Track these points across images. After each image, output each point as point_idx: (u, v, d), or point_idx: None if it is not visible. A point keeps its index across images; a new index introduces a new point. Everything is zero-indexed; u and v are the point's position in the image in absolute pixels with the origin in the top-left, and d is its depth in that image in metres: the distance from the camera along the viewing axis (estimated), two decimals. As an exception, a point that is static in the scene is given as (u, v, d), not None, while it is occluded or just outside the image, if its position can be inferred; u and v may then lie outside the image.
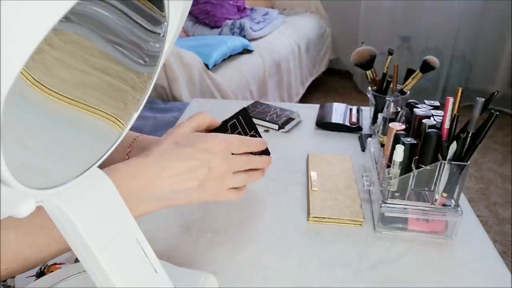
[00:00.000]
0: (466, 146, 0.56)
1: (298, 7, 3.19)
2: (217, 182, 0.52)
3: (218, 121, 0.60)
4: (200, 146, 0.50)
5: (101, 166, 0.73)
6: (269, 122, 0.91)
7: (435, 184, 0.59)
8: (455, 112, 0.57)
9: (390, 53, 0.87)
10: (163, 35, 0.30)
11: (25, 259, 0.42)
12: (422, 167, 0.58)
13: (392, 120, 0.67)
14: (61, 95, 0.24)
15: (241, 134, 0.60)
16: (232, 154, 0.53)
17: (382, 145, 0.67)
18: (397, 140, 0.59)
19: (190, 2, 0.32)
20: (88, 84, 0.26)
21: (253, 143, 0.57)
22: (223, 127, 0.60)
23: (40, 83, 0.22)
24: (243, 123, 0.61)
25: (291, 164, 0.77)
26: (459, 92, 0.56)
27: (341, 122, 0.92)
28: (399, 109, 0.70)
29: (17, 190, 0.22)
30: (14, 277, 0.55)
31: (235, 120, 0.62)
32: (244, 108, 0.62)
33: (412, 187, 0.60)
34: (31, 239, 0.42)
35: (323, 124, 0.92)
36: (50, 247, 0.42)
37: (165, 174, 0.47)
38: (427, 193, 0.61)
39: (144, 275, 0.36)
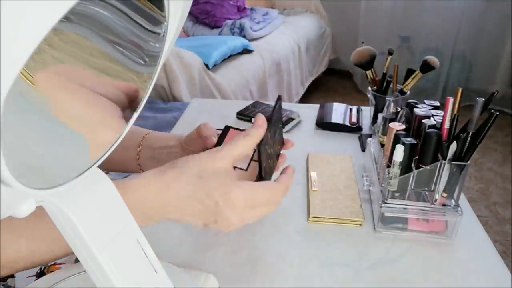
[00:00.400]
0: (466, 146, 0.56)
1: (298, 7, 3.19)
2: (223, 228, 0.47)
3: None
4: (219, 200, 0.45)
5: (107, 167, 0.74)
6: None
7: (435, 184, 0.59)
8: (455, 112, 0.57)
9: (390, 53, 0.87)
10: (163, 35, 0.30)
11: (32, 263, 0.43)
12: (422, 167, 0.58)
13: (392, 120, 0.67)
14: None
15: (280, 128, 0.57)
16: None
17: (382, 145, 0.67)
18: (397, 140, 0.59)
19: (190, 2, 0.32)
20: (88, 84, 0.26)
21: (279, 197, 0.49)
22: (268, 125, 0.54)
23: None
24: (277, 114, 0.56)
25: (291, 164, 0.77)
26: (459, 92, 0.56)
27: (341, 122, 0.92)
28: (399, 109, 0.70)
29: (17, 190, 0.22)
30: (14, 276, 0.55)
31: (274, 113, 0.56)
32: (279, 96, 0.57)
33: (412, 187, 0.60)
34: (43, 248, 0.42)
35: (323, 124, 0.92)
36: (55, 253, 0.43)
37: (178, 207, 0.45)
38: (427, 193, 0.61)
39: (144, 275, 0.36)
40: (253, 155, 0.52)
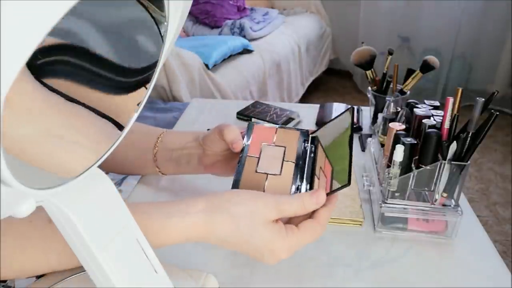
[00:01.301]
0: (466, 146, 0.56)
1: (298, 7, 3.19)
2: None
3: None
4: (264, 253, 0.45)
5: (125, 170, 0.73)
6: (269, 122, 0.91)
7: (435, 184, 0.59)
8: (455, 112, 0.57)
9: (390, 53, 0.87)
10: (163, 35, 0.30)
11: (34, 272, 0.45)
12: (422, 167, 0.58)
13: (392, 120, 0.67)
14: (61, 95, 0.24)
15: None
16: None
17: (382, 145, 0.67)
18: (397, 140, 0.59)
19: (190, 2, 0.32)
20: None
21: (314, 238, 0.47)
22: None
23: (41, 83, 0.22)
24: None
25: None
26: (459, 92, 0.56)
27: (341, 122, 0.92)
28: (399, 109, 0.70)
29: (17, 190, 0.22)
30: (14, 277, 0.55)
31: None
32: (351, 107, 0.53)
33: (412, 187, 0.60)
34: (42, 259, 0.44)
35: (323, 124, 0.92)
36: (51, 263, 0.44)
37: (220, 244, 0.46)
38: (427, 193, 0.61)
39: (144, 275, 0.36)
40: (283, 156, 0.49)
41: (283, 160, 0.49)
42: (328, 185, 0.47)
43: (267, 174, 0.48)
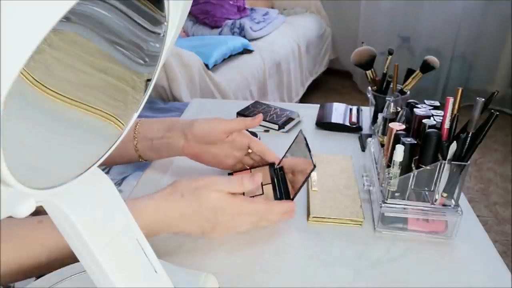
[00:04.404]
0: (466, 146, 0.56)
1: (298, 7, 3.19)
2: (218, 233, 0.56)
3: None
4: (214, 208, 0.54)
5: (109, 162, 0.75)
6: (269, 122, 0.91)
7: (435, 184, 0.59)
8: (455, 112, 0.57)
9: (390, 53, 0.87)
10: (163, 35, 0.30)
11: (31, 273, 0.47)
12: (422, 167, 0.58)
13: (392, 120, 0.67)
14: (61, 95, 0.24)
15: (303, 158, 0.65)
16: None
17: (382, 145, 0.67)
18: (397, 140, 0.59)
19: (190, 2, 0.32)
20: (88, 84, 0.26)
21: (272, 211, 0.58)
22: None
23: (40, 83, 0.22)
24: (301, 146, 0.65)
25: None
26: (459, 92, 0.56)
27: (341, 122, 0.92)
28: (399, 109, 0.70)
29: (17, 190, 0.22)
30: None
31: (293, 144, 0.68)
32: (300, 131, 0.68)
33: (412, 187, 0.60)
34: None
35: (323, 124, 0.92)
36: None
37: (183, 222, 0.54)
38: (427, 193, 0.61)
39: (144, 275, 0.36)
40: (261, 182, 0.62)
41: (262, 185, 0.64)
42: (298, 185, 0.61)
43: (255, 195, 0.62)
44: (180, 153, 0.68)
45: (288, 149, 0.68)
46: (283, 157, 0.68)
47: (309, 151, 0.62)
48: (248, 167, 0.71)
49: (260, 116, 0.68)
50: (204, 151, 0.68)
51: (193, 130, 0.65)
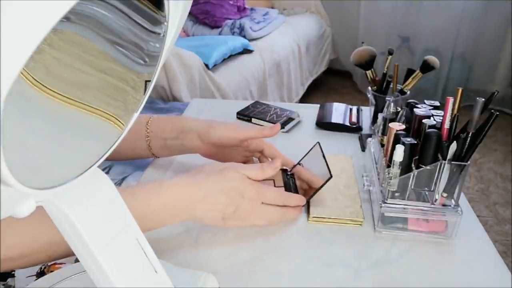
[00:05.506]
0: (466, 146, 0.56)
1: (298, 7, 3.19)
2: (239, 221, 0.57)
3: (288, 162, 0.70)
4: (237, 188, 0.55)
5: (121, 157, 0.77)
6: (269, 122, 0.91)
7: (435, 184, 0.59)
8: (455, 112, 0.57)
9: (390, 53, 0.87)
10: (163, 35, 0.30)
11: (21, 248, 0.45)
12: (422, 167, 0.58)
13: (392, 120, 0.67)
14: (61, 95, 0.24)
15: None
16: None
17: (382, 145, 0.67)
18: (397, 140, 0.59)
19: (190, 2, 0.32)
20: (88, 84, 0.26)
21: (290, 200, 0.60)
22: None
23: (40, 83, 0.22)
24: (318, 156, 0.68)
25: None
26: (459, 92, 0.56)
27: (341, 122, 0.92)
28: (399, 109, 0.70)
29: (17, 190, 0.22)
30: (14, 276, 0.55)
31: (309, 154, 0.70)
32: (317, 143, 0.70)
33: (412, 187, 0.60)
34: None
35: (323, 124, 0.92)
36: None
37: (205, 202, 0.53)
38: (427, 193, 0.61)
39: (144, 275, 0.36)
40: (274, 184, 0.67)
41: (275, 186, 0.67)
42: (312, 190, 0.65)
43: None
44: (195, 152, 0.70)
45: (303, 158, 0.71)
46: (296, 165, 0.71)
47: (326, 162, 0.65)
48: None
49: (278, 126, 0.69)
50: (218, 151, 0.69)
51: (209, 136, 0.66)
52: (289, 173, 0.72)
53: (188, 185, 0.53)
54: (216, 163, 0.57)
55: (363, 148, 0.84)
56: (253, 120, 0.93)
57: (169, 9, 0.28)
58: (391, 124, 0.63)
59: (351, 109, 0.98)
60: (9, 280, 0.55)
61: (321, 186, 0.63)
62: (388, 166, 0.61)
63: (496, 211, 1.91)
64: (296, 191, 0.68)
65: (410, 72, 0.85)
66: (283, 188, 0.66)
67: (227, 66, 2.14)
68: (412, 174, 0.59)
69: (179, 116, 0.73)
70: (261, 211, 0.57)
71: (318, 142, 0.70)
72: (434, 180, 0.58)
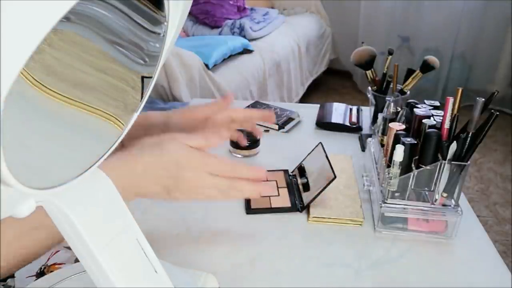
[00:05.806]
0: (466, 146, 0.56)
1: (298, 7, 3.18)
2: (188, 193, 0.52)
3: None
4: (176, 159, 0.51)
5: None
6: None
7: (435, 184, 0.59)
8: (455, 112, 0.57)
9: (390, 53, 0.87)
10: (163, 35, 0.30)
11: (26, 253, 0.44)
12: (422, 167, 0.58)
13: (392, 120, 0.67)
14: (61, 95, 0.24)
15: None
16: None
17: (382, 145, 0.67)
18: (397, 140, 0.59)
19: (190, 2, 0.32)
20: (88, 84, 0.26)
21: (241, 169, 0.53)
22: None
23: (40, 83, 0.22)
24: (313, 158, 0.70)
25: (291, 164, 0.77)
26: (459, 92, 0.56)
27: (341, 122, 0.92)
28: (399, 109, 0.70)
29: (17, 190, 0.22)
30: (14, 276, 0.55)
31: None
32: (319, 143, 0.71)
33: (412, 187, 0.60)
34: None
35: (323, 124, 0.92)
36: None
37: (146, 177, 0.50)
38: (427, 193, 0.61)
39: (144, 275, 0.36)
40: (277, 185, 0.70)
41: (277, 187, 0.70)
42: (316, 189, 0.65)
43: (270, 196, 0.67)
44: None
45: (305, 158, 0.72)
46: (297, 166, 0.71)
47: (329, 162, 0.65)
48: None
49: (230, 95, 0.64)
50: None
51: (170, 128, 0.62)
52: (291, 174, 0.72)
53: (126, 163, 0.49)
54: (155, 136, 0.52)
55: (363, 148, 0.84)
56: None
57: (169, 9, 0.28)
58: (391, 124, 0.63)
59: (351, 109, 0.98)
60: (9, 280, 0.55)
61: (325, 187, 0.63)
62: (388, 166, 0.61)
63: (496, 211, 1.91)
64: (299, 192, 0.68)
65: (410, 72, 0.85)
66: (286, 190, 0.67)
67: (227, 66, 2.14)
68: (412, 174, 0.59)
69: (140, 114, 0.70)
70: (208, 181, 0.52)
71: (320, 143, 0.70)
72: (434, 180, 0.58)
